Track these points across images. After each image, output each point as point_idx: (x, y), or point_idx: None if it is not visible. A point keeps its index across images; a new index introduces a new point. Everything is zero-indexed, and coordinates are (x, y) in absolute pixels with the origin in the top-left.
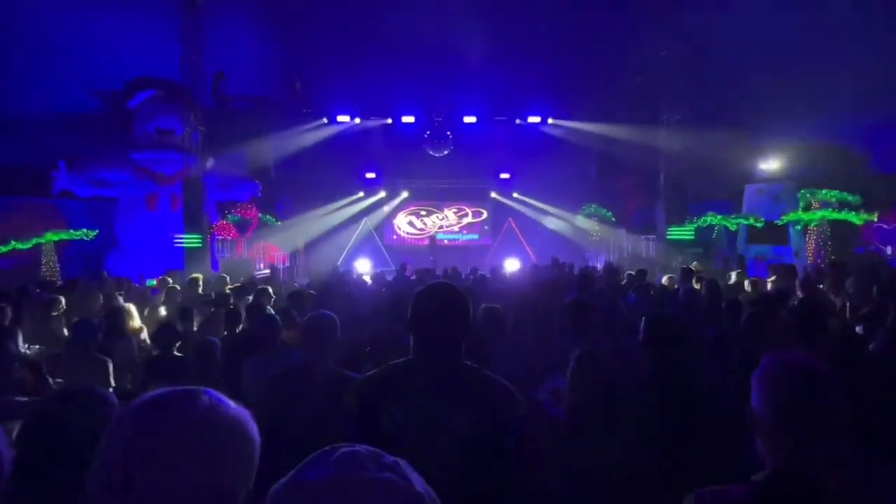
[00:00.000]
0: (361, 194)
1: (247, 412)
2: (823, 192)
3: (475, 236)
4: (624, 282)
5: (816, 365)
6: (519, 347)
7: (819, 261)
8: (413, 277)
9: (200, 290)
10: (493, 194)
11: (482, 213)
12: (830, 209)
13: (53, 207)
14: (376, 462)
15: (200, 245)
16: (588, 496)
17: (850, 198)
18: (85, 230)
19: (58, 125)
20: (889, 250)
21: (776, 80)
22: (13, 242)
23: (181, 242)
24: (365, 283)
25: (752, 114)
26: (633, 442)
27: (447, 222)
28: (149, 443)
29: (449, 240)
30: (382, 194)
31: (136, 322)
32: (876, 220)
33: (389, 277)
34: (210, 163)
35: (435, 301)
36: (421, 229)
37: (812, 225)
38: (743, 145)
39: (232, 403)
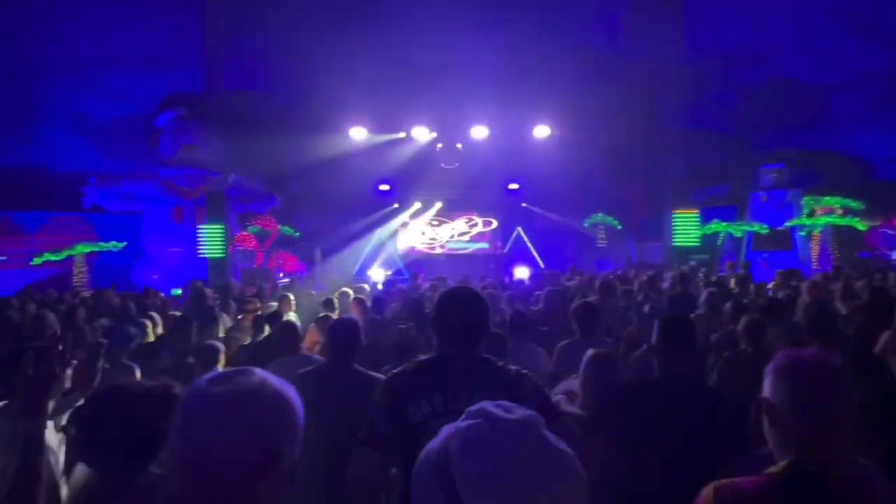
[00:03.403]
0: (376, 207)
1: (293, 388)
2: (827, 198)
3: (485, 245)
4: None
5: (831, 359)
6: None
7: (825, 266)
8: (426, 286)
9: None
10: (502, 204)
11: (492, 222)
12: (834, 215)
13: (84, 221)
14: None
15: (223, 255)
16: (602, 490)
17: (853, 204)
18: (114, 242)
19: (89, 143)
20: (894, 255)
21: (778, 88)
22: (47, 254)
23: (205, 253)
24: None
25: (755, 121)
26: (643, 438)
27: (458, 232)
28: (211, 408)
29: (459, 249)
30: (396, 206)
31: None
32: (878, 225)
33: (402, 285)
34: (231, 177)
35: (457, 302)
36: (432, 239)
37: (816, 231)
38: (745, 153)
39: (280, 380)
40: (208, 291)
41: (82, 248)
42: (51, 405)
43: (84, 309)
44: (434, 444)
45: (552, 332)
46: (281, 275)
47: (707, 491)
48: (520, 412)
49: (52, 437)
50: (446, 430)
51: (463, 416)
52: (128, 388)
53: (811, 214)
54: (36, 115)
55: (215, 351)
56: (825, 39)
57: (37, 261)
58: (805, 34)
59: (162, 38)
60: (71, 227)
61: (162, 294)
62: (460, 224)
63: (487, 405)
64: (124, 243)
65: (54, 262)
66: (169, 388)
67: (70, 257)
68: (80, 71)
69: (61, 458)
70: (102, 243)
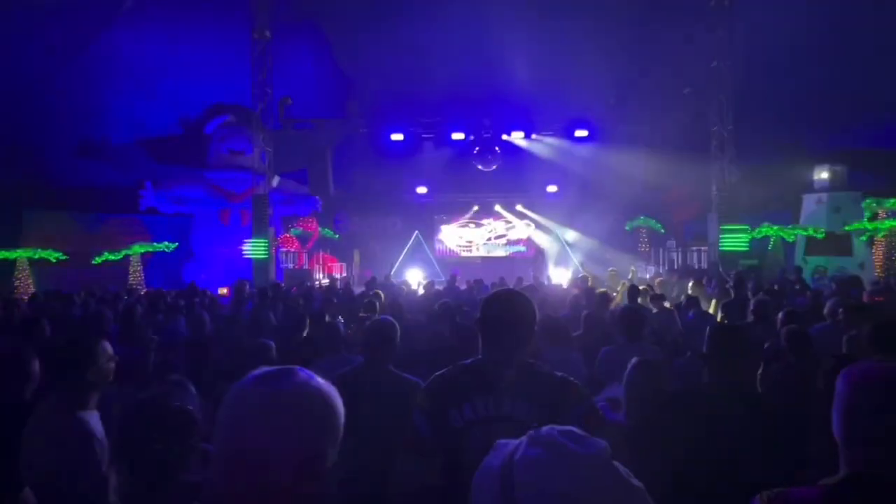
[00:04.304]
0: (413, 209)
1: (334, 388)
2: (891, 201)
3: (522, 248)
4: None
5: (891, 371)
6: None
7: (888, 273)
8: (463, 287)
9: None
10: (540, 207)
11: (530, 224)
12: None
13: (140, 222)
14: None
15: (266, 256)
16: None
17: None
18: (166, 243)
19: (145, 149)
20: None
21: (833, 85)
22: (106, 254)
23: (249, 254)
24: (413, 292)
25: (810, 120)
26: (691, 449)
27: (495, 234)
28: (256, 405)
29: (496, 251)
30: (433, 208)
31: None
32: None
33: (439, 287)
34: (276, 181)
35: (503, 306)
36: (469, 241)
37: (879, 235)
38: (799, 153)
39: (323, 380)
40: (267, 290)
41: (138, 249)
42: (95, 398)
43: (141, 306)
44: (493, 462)
45: (584, 337)
46: (320, 275)
47: (758, 501)
48: (590, 445)
49: (101, 427)
50: (505, 447)
51: (529, 441)
52: (157, 409)
53: (873, 218)
54: (98, 124)
55: (268, 349)
56: (889, 32)
57: (97, 260)
58: (867, 27)
59: (211, 48)
60: (128, 228)
61: (209, 292)
62: (497, 226)
63: (556, 434)
64: (176, 244)
65: (113, 261)
66: (186, 412)
67: (127, 257)
68: (137, 82)
69: None
70: (156, 244)
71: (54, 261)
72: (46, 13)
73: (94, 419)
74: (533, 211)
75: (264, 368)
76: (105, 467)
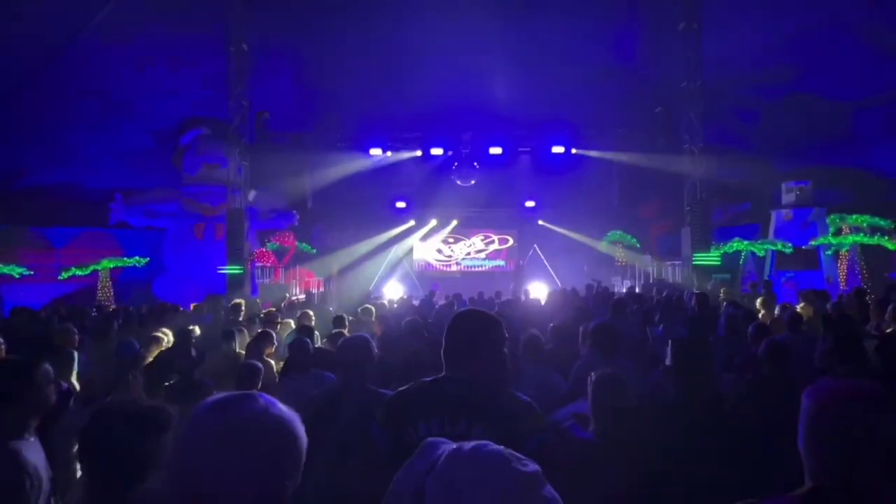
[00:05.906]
0: (392, 224)
1: (296, 415)
2: (854, 216)
3: (501, 262)
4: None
5: (864, 387)
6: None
7: (853, 287)
8: (441, 302)
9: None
10: (518, 222)
11: (508, 239)
12: (862, 234)
13: (110, 236)
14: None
15: (241, 273)
16: None
17: (881, 222)
18: (137, 258)
19: (116, 162)
20: None
21: (800, 104)
22: (73, 269)
23: (224, 270)
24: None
25: (777, 138)
26: (658, 463)
27: (474, 249)
28: (210, 437)
29: (475, 266)
30: (412, 223)
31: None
32: None
33: (416, 302)
34: (252, 195)
35: (465, 325)
36: (448, 256)
37: (843, 250)
38: (767, 171)
39: (284, 407)
40: (248, 303)
41: (107, 264)
42: (32, 425)
43: (117, 323)
44: (418, 467)
45: (571, 354)
46: (298, 291)
47: None
48: (506, 470)
49: (39, 457)
50: (432, 453)
51: (446, 459)
52: (117, 408)
53: (837, 233)
54: (66, 134)
55: (256, 372)
56: (850, 54)
57: (64, 275)
58: (829, 49)
59: (187, 60)
60: (97, 242)
61: (182, 308)
62: (477, 241)
63: (477, 457)
64: (147, 259)
65: (81, 276)
66: (160, 410)
67: (95, 272)
68: (109, 92)
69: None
70: (126, 259)
71: (17, 276)
72: (12, 21)
73: (29, 449)
74: (512, 225)
75: (222, 394)
76: (41, 501)
